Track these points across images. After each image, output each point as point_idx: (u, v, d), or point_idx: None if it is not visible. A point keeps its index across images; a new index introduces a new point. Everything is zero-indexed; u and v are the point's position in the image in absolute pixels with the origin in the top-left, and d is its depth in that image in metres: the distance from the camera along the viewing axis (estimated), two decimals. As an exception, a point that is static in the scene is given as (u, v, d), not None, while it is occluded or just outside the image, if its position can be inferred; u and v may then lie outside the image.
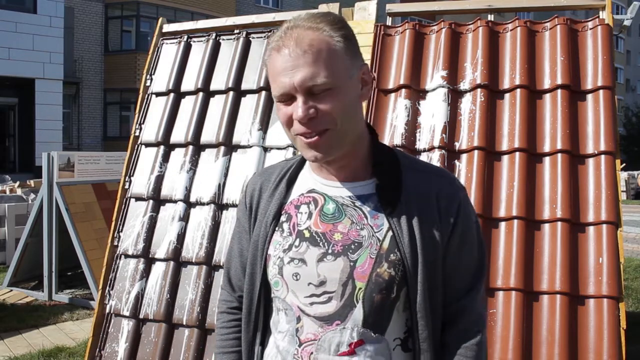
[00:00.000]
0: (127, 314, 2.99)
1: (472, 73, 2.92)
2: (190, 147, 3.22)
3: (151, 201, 3.17)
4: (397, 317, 1.14)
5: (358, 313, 1.11)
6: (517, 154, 2.71)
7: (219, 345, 1.33)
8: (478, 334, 1.16)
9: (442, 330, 1.17)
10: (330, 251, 1.13)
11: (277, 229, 1.20)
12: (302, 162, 1.26)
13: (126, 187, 3.29)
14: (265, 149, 3.09)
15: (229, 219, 3.01)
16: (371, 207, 1.15)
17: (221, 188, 3.06)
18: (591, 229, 2.54)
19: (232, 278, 1.33)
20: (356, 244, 1.12)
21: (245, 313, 1.25)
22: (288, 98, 1.07)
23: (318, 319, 1.13)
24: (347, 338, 1.11)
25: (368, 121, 2.92)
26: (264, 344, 1.24)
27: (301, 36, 1.05)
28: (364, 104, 2.96)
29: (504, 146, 2.76)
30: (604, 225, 2.51)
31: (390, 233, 1.12)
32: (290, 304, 1.16)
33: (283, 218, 1.20)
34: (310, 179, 1.21)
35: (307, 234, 1.16)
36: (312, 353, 1.13)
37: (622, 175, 18.38)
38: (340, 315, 1.11)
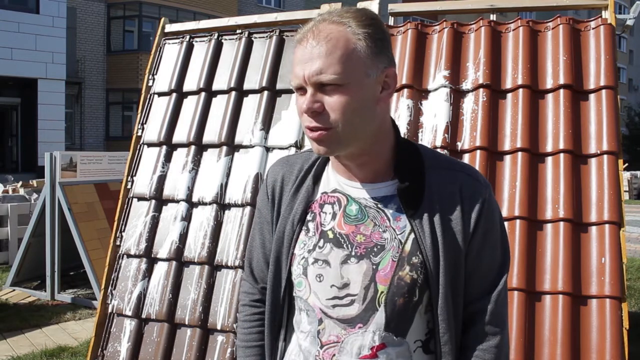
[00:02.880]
0: (130, 313, 3.00)
1: (474, 73, 2.92)
2: (193, 147, 3.23)
3: (153, 201, 3.18)
4: (419, 319, 1.13)
5: (380, 317, 1.10)
6: (520, 153, 2.70)
7: (241, 339, 1.32)
8: (497, 335, 1.13)
9: (462, 330, 1.15)
10: (353, 253, 1.12)
11: (302, 227, 1.18)
12: (327, 158, 1.22)
13: (128, 187, 3.30)
14: (268, 149, 3.09)
15: (231, 218, 3.01)
16: (394, 209, 1.12)
17: (223, 188, 3.06)
18: (594, 229, 2.54)
19: (255, 269, 1.31)
20: (379, 247, 1.11)
21: (271, 309, 1.23)
22: (301, 89, 1.07)
23: (341, 321, 1.12)
24: (369, 341, 1.10)
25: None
26: (287, 340, 1.24)
27: (322, 29, 1.04)
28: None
29: (507, 146, 2.75)
30: (607, 225, 2.50)
31: (412, 235, 1.10)
32: (312, 306, 1.15)
33: (309, 217, 1.18)
34: (333, 179, 1.19)
35: (330, 235, 1.14)
36: (334, 355, 1.12)
37: (625, 175, 18.34)
38: (363, 319, 1.10)
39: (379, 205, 1.13)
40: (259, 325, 1.29)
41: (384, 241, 1.11)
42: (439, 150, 2.77)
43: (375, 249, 1.11)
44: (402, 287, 1.09)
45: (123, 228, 3.21)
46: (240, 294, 1.37)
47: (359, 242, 1.12)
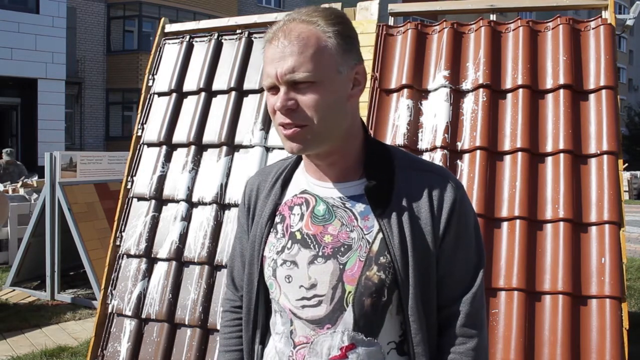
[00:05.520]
0: (130, 313, 3.00)
1: (474, 73, 2.92)
2: (193, 147, 3.23)
3: (153, 201, 3.18)
4: (390, 320, 1.12)
5: (348, 317, 1.09)
6: (520, 153, 2.71)
7: (222, 344, 1.34)
8: (475, 337, 1.12)
9: (439, 333, 1.15)
10: (320, 253, 1.12)
11: (271, 230, 1.19)
12: (297, 162, 1.25)
13: (128, 187, 3.30)
14: (268, 149, 3.09)
15: (231, 218, 3.01)
16: (362, 208, 1.12)
17: (223, 188, 3.06)
18: (593, 229, 2.54)
19: (235, 278, 1.34)
20: (346, 247, 1.10)
21: (245, 312, 1.25)
22: (274, 88, 1.07)
23: (310, 322, 1.12)
24: (337, 342, 1.10)
25: (370, 121, 2.92)
26: (264, 343, 1.24)
27: (292, 28, 1.06)
28: (365, 104, 2.96)
29: (506, 146, 2.76)
30: (607, 225, 2.50)
31: (380, 235, 1.10)
32: (283, 307, 1.16)
33: (277, 219, 1.19)
34: (303, 180, 1.20)
35: (298, 236, 1.15)
36: (305, 356, 1.12)
37: (625, 175, 18.34)
38: (331, 319, 1.10)
39: (347, 205, 1.13)
40: (239, 331, 1.30)
41: (351, 241, 1.11)
42: (439, 150, 2.77)
43: (342, 249, 1.11)
44: (370, 287, 1.08)
45: (123, 228, 3.21)
46: (222, 301, 1.39)
47: (326, 242, 1.12)
